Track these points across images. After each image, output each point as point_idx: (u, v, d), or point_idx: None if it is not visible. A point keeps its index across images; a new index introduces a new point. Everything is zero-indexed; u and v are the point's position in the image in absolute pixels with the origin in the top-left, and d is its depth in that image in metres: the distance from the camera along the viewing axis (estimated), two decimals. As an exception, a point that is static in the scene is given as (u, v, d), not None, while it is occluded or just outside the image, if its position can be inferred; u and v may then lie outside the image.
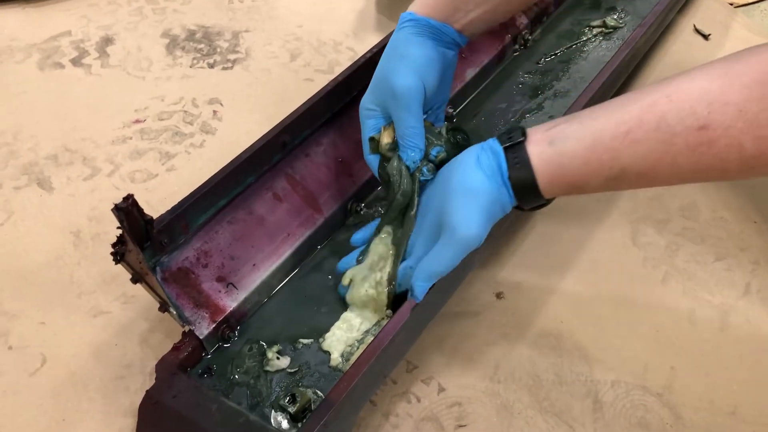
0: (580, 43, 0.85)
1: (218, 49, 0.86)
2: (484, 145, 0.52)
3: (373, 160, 0.60)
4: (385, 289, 0.57)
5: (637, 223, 0.71)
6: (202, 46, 0.86)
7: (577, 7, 0.91)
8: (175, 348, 0.55)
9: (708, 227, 0.70)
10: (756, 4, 0.96)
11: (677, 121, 0.44)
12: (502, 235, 0.67)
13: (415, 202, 0.57)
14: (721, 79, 0.44)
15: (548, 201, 0.52)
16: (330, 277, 0.63)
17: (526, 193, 0.50)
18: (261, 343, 0.58)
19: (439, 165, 0.58)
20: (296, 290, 0.62)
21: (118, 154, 0.74)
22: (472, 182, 0.51)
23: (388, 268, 0.57)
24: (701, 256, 0.68)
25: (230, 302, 0.58)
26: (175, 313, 0.54)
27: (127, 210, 0.48)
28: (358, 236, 0.62)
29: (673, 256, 0.68)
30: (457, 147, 0.60)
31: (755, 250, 0.68)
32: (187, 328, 0.55)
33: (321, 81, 0.83)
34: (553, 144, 0.49)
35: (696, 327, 0.63)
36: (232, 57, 0.85)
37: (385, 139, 0.59)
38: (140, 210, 0.50)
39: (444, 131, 0.61)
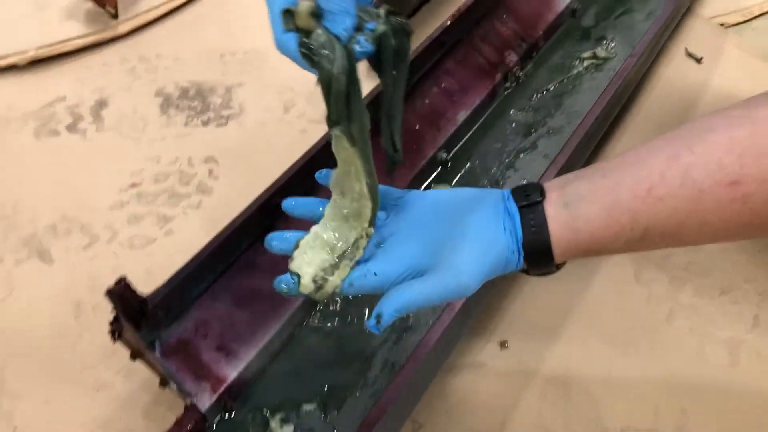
0: (571, 76, 0.85)
1: (212, 106, 0.87)
2: (505, 202, 0.48)
3: (288, 40, 0.46)
4: (369, 201, 0.49)
5: (639, 260, 0.70)
6: (195, 103, 0.87)
7: (567, 39, 0.91)
8: (177, 423, 0.54)
9: (712, 260, 0.69)
10: (747, 23, 0.96)
11: (704, 176, 0.40)
12: (502, 281, 0.66)
13: (359, 84, 0.46)
14: (747, 127, 0.40)
15: (558, 267, 0.48)
16: (331, 337, 0.62)
17: (538, 259, 0.46)
18: (264, 411, 0.57)
19: (379, 40, 0.46)
20: (298, 352, 0.62)
21: (117, 220, 0.75)
22: (491, 234, 0.46)
23: (364, 178, 0.48)
24: (706, 290, 0.67)
25: (231, 371, 0.58)
26: (175, 388, 0.54)
27: (120, 293, 0.48)
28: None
29: (678, 291, 0.67)
30: (400, 32, 0.46)
31: (762, 280, 0.67)
32: (188, 401, 0.55)
33: (314, 131, 0.83)
34: (568, 206, 0.45)
35: (705, 364, 0.62)
36: (226, 113, 0.86)
37: (305, 6, 0.45)
38: (133, 292, 0.50)
39: (382, 11, 0.47)
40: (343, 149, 0.47)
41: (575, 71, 0.86)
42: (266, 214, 0.62)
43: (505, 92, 0.85)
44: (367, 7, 0.47)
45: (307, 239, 0.49)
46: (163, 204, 0.76)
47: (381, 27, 0.45)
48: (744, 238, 0.44)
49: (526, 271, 0.48)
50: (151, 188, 0.78)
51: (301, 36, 0.45)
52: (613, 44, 0.88)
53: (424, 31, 0.93)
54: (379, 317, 0.44)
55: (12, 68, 0.91)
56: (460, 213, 0.48)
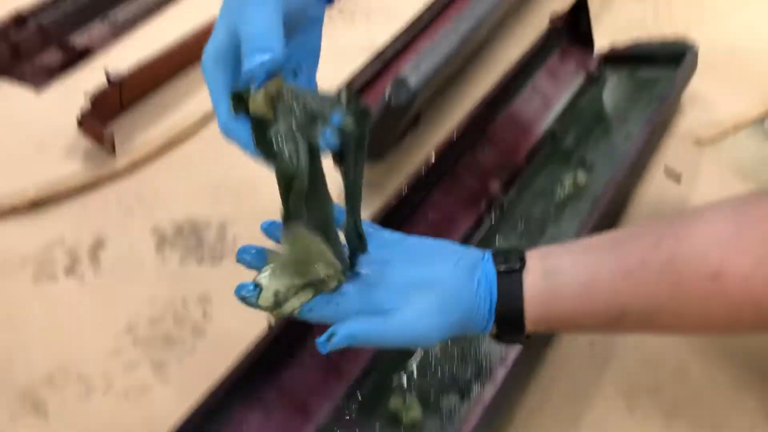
0: (554, 202, 0.88)
1: (206, 242, 0.89)
2: (484, 263, 0.48)
3: (238, 128, 0.43)
4: (337, 271, 0.47)
5: (630, 395, 0.70)
6: (191, 240, 0.89)
7: (549, 163, 0.94)
8: None
9: (701, 391, 0.70)
10: (724, 138, 0.99)
11: (686, 265, 0.41)
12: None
13: (323, 177, 0.44)
14: (735, 224, 0.41)
15: (528, 337, 0.48)
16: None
17: (508, 327, 0.46)
18: None
19: (345, 134, 0.43)
20: None
21: (112, 369, 0.75)
22: (464, 292, 0.46)
23: (329, 260, 0.47)
24: (698, 424, 0.67)
25: None
26: None
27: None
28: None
29: (670, 428, 0.67)
30: (362, 119, 0.44)
31: (749, 412, 0.68)
32: None
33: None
34: (547, 277, 0.45)
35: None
36: (219, 250, 0.88)
37: (265, 91, 0.41)
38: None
39: (343, 97, 0.43)
40: (299, 240, 0.47)
41: (557, 197, 0.88)
42: (259, 371, 0.64)
43: (491, 221, 0.87)
44: (322, 93, 0.44)
45: (280, 259, 0.48)
46: (158, 349, 0.77)
47: (347, 120, 0.43)
48: (722, 333, 0.45)
49: (496, 337, 0.48)
50: (146, 333, 0.79)
51: (256, 124, 0.42)
52: (593, 168, 0.91)
53: (409, 159, 0.97)
54: (331, 336, 0.45)
55: (12, 210, 0.94)
56: (437, 262, 0.48)
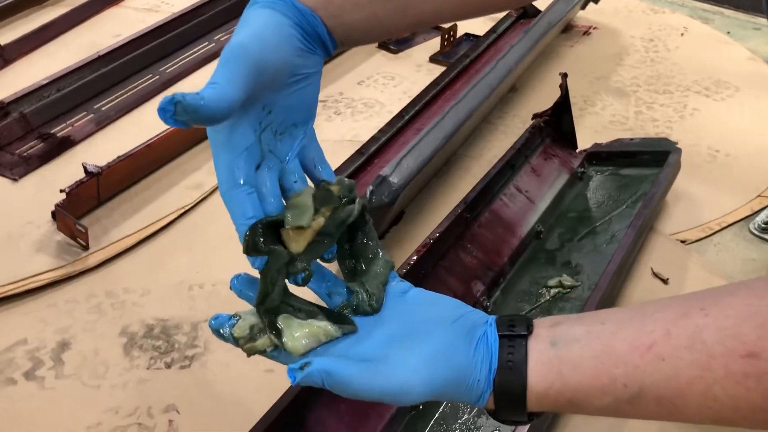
0: (539, 306, 0.85)
1: (176, 345, 0.85)
2: (486, 325, 0.44)
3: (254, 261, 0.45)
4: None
5: None
6: (160, 342, 0.85)
7: (533, 264, 0.92)
8: None
9: None
10: (708, 239, 0.98)
11: (716, 340, 0.36)
12: None
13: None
14: None
15: (531, 418, 0.42)
16: None
17: (508, 400, 0.41)
18: None
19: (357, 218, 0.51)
20: None
21: (66, 486, 0.70)
22: (459, 351, 0.42)
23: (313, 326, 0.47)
24: None
25: None
26: None
27: None
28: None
29: None
30: (361, 216, 0.51)
31: None
32: None
33: (280, 371, 0.81)
34: (556, 345, 0.40)
35: None
36: (190, 353, 0.84)
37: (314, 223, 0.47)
38: None
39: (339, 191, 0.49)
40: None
41: (543, 300, 0.86)
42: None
43: (474, 324, 0.84)
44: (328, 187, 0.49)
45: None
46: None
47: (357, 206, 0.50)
48: (752, 426, 0.38)
49: (492, 414, 0.43)
50: (105, 445, 0.74)
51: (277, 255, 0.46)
52: (578, 271, 0.89)
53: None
54: (305, 366, 0.41)
55: (-24, 308, 0.90)
56: (435, 315, 0.45)
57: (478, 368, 0.42)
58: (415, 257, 0.81)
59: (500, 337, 0.42)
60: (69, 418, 0.77)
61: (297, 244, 0.46)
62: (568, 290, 0.86)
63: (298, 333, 0.46)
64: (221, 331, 0.48)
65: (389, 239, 0.98)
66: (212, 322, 0.48)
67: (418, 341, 0.43)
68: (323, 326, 0.47)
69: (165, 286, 0.93)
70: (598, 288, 0.80)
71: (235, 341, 0.48)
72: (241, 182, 0.44)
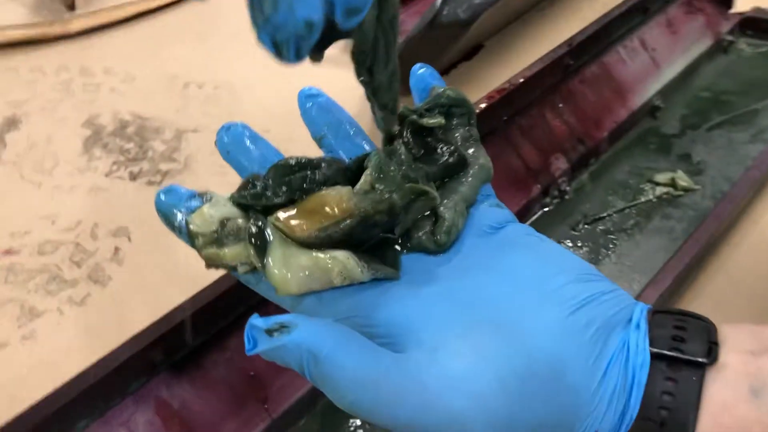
0: (638, 206, 0.62)
1: (150, 153, 0.65)
2: (631, 329, 0.25)
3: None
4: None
5: None
6: (131, 146, 0.65)
7: (639, 148, 0.67)
8: None
9: None
10: None
11: None
12: None
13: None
14: None
15: None
16: None
17: None
18: None
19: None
20: None
21: (-36, 304, 0.53)
22: (568, 372, 0.24)
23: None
24: None
25: None
26: None
27: None
28: None
29: None
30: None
31: None
32: None
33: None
34: (759, 395, 0.23)
35: None
36: (164, 167, 0.64)
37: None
38: None
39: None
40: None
41: (643, 199, 0.62)
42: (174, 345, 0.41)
43: (543, 210, 0.61)
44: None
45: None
46: (36, 290, 0.54)
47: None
48: None
49: None
50: (29, 262, 0.56)
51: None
52: (700, 170, 0.65)
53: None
54: (282, 328, 0.24)
55: None
56: (538, 288, 0.26)
57: (601, 411, 0.23)
58: (484, 104, 0.58)
59: (654, 357, 0.24)
60: (-8, 216, 0.59)
61: None
62: (682, 193, 0.62)
63: (294, 257, 0.27)
64: (171, 216, 0.31)
65: (454, 77, 0.74)
66: (161, 196, 0.31)
67: (498, 336, 0.24)
68: (341, 258, 0.27)
69: (154, 76, 0.72)
70: (727, 199, 0.56)
71: (191, 239, 0.30)
72: None
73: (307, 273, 0.26)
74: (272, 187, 0.29)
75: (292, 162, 0.30)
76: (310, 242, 0.27)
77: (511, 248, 0.28)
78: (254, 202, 0.29)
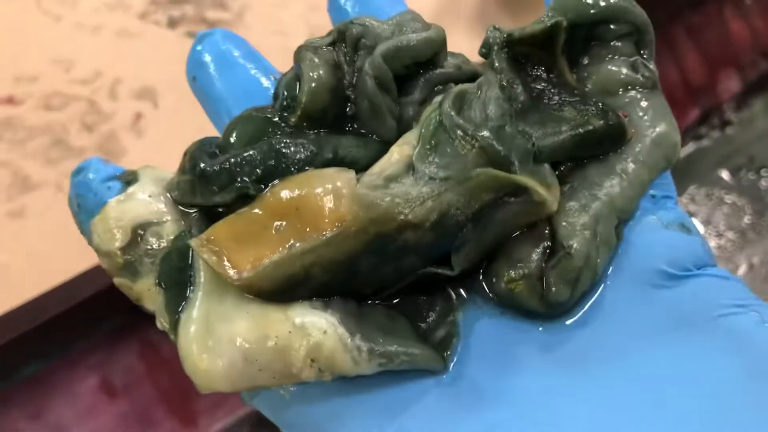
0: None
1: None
2: None
3: None
4: None
5: None
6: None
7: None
8: None
9: None
10: None
11: None
12: None
13: None
14: None
15: None
16: None
17: None
18: None
19: None
20: None
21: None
22: None
23: None
24: None
25: None
26: None
27: None
28: None
29: None
30: None
31: None
32: None
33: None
34: None
35: None
36: (212, 15, 0.51)
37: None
38: None
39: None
40: None
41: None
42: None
43: (701, 140, 0.46)
44: None
45: None
46: (34, 156, 0.44)
47: None
48: None
49: None
50: (32, 117, 0.45)
51: None
52: None
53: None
54: None
55: None
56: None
57: None
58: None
59: None
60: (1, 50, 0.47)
61: None
62: None
63: (228, 322, 0.15)
64: (75, 216, 0.19)
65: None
66: (73, 179, 0.20)
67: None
68: (318, 326, 0.15)
69: None
70: None
71: (95, 246, 0.18)
72: None
73: (248, 355, 0.13)
74: (233, 165, 0.15)
75: (275, 108, 0.16)
76: (264, 288, 0.14)
77: (692, 336, 0.14)
78: (183, 199, 0.16)
